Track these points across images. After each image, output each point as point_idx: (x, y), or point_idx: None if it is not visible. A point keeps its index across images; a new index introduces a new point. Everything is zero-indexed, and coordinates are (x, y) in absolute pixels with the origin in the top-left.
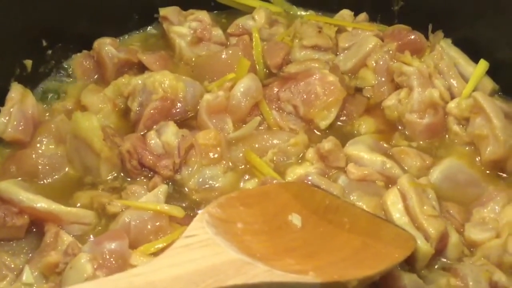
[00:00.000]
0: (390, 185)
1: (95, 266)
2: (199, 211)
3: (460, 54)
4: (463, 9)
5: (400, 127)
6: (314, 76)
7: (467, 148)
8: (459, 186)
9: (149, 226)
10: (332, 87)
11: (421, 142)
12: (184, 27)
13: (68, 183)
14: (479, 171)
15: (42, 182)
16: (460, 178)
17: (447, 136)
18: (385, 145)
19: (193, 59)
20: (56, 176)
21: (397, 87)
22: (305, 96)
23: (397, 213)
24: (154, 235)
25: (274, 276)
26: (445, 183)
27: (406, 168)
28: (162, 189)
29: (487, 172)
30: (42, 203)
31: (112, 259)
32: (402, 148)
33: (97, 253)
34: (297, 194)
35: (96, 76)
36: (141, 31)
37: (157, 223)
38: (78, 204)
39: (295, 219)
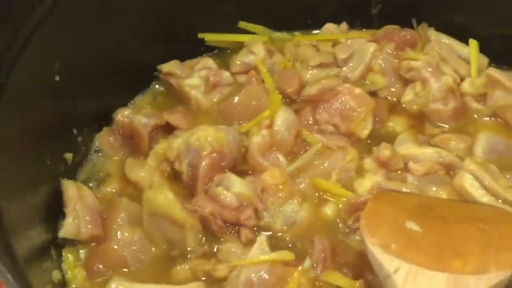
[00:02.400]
0: (451, 172)
1: None
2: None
3: (451, 39)
4: None
5: (429, 117)
6: (343, 92)
7: (488, 119)
8: (502, 154)
9: (267, 277)
10: (362, 98)
11: (447, 126)
12: (195, 77)
13: (158, 263)
14: (509, 136)
15: (131, 269)
16: (499, 148)
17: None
18: (424, 137)
19: (215, 106)
20: (144, 260)
21: (407, 82)
22: (342, 113)
23: (481, 194)
24: (278, 285)
25: (486, 281)
26: (490, 155)
27: (454, 152)
28: (263, 240)
29: None
30: None
31: None
32: (443, 135)
33: None
34: (392, 202)
35: (125, 149)
36: (145, 92)
37: (277, 272)
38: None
39: (412, 225)
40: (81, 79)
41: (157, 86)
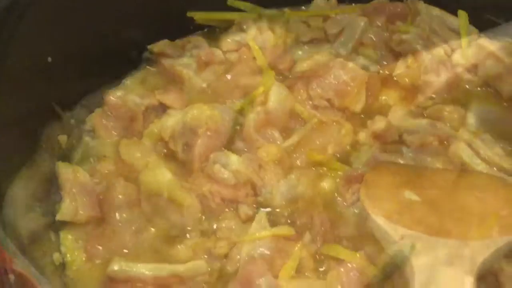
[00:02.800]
0: (445, 142)
1: None
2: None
3: (441, 11)
4: None
5: (422, 89)
6: (335, 67)
7: (480, 89)
8: (494, 123)
9: (268, 252)
10: (355, 72)
11: (439, 97)
12: (187, 57)
13: (158, 242)
14: (501, 105)
15: (131, 250)
16: (492, 117)
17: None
18: (417, 109)
19: (208, 85)
20: (144, 240)
21: (398, 55)
22: (336, 88)
23: (476, 163)
24: (280, 259)
25: (491, 245)
26: (483, 125)
27: (448, 123)
28: (263, 216)
29: (505, 104)
30: (165, 269)
31: None
32: (436, 106)
33: None
34: (390, 174)
35: (118, 130)
36: (134, 73)
37: (277, 247)
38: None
39: (411, 195)
40: (72, 60)
41: (147, 66)
